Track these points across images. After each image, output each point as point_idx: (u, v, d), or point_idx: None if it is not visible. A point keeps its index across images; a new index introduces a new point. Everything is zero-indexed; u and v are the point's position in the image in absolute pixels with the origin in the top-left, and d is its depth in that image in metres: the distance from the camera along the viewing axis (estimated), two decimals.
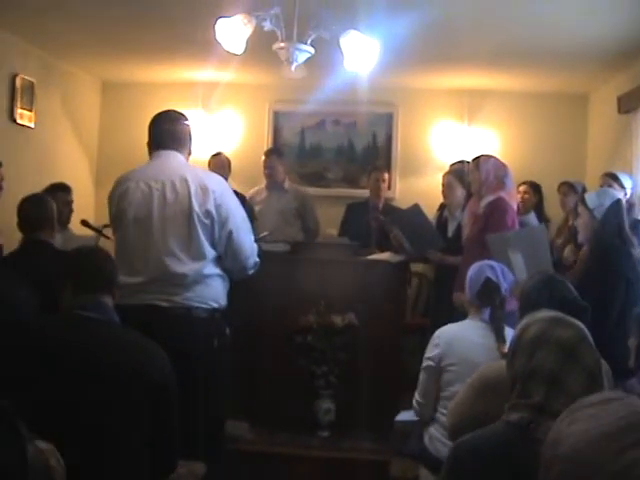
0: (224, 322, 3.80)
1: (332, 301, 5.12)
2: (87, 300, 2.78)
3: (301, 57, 4.39)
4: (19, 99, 6.63)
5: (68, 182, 6.20)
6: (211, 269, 3.69)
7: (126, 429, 2.50)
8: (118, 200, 3.74)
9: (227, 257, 3.76)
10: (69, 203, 5.99)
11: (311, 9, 4.37)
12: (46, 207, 4.71)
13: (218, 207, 3.66)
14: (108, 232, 5.98)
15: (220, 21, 4.37)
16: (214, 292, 3.72)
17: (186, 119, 3.97)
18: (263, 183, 6.96)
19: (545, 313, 2.21)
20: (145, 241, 3.64)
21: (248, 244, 3.84)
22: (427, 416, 3.85)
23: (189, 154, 3.95)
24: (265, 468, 4.78)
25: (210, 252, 3.67)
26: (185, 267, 3.61)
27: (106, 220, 6.45)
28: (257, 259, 3.96)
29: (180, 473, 3.09)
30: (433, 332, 3.93)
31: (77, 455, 2.06)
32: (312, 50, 4.44)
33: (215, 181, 3.80)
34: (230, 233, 3.70)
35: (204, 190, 3.65)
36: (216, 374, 3.65)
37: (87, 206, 7.59)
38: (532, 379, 2.08)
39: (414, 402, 3.90)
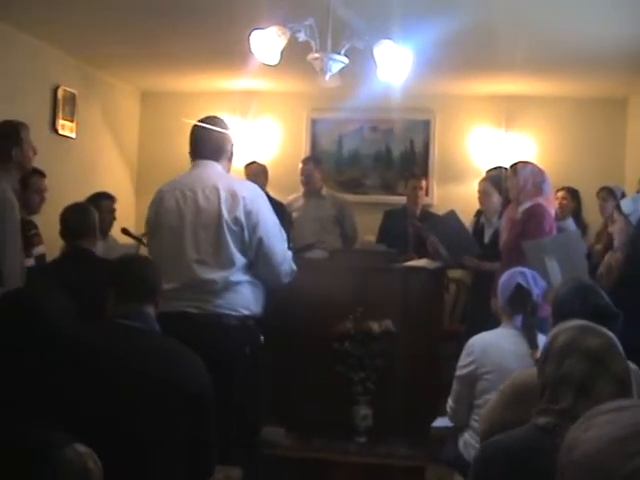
0: (258, 329, 3.82)
1: (369, 308, 5.13)
2: (129, 309, 2.85)
3: (335, 67, 4.42)
4: (61, 110, 6.79)
5: (109, 190, 6.32)
6: (240, 276, 3.72)
7: (164, 436, 2.55)
8: (155, 208, 3.84)
9: (259, 264, 3.79)
10: (112, 211, 6.10)
11: (345, 19, 4.42)
12: (88, 216, 4.80)
13: (248, 214, 3.70)
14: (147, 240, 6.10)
15: (254, 33, 4.42)
16: (244, 299, 3.74)
17: (226, 125, 4.02)
18: (301, 191, 7.01)
19: (575, 322, 2.23)
20: (177, 249, 3.70)
21: (280, 251, 3.86)
22: (461, 422, 3.87)
23: (230, 160, 4.01)
24: (302, 474, 4.81)
25: (240, 259, 3.70)
26: (214, 274, 3.65)
27: None
28: (293, 267, 3.98)
29: (217, 478, 3.15)
30: (469, 339, 3.94)
31: (115, 460, 2.12)
32: (346, 60, 4.47)
33: (246, 188, 3.85)
34: (260, 240, 3.73)
35: (234, 197, 3.70)
36: (249, 381, 3.68)
37: (128, 215, 7.70)
38: (561, 385, 2.11)
39: (448, 408, 3.93)
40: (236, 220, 3.67)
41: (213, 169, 3.87)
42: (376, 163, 8.09)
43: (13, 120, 4.44)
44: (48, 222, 5.27)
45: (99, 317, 2.94)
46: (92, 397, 2.48)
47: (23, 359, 2.03)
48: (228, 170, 4.02)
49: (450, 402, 3.90)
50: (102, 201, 5.98)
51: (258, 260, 3.77)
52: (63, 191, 6.02)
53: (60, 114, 6.78)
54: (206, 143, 3.91)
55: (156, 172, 8.01)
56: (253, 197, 3.79)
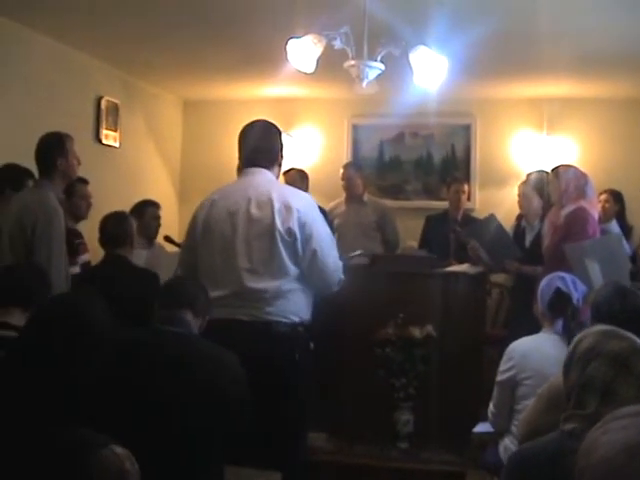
0: (307, 336, 3.78)
1: (411, 313, 5.11)
2: (169, 315, 2.91)
3: (372, 74, 4.43)
4: (104, 120, 6.91)
5: (153, 199, 6.40)
6: (292, 284, 3.68)
7: (199, 438, 2.58)
8: (205, 216, 3.80)
9: (312, 275, 3.75)
10: (157, 218, 6.17)
11: (380, 26, 4.43)
12: (125, 224, 4.88)
13: (302, 226, 3.65)
14: None
15: (291, 42, 4.45)
16: (296, 306, 3.71)
17: (276, 129, 3.99)
18: (342, 197, 7.03)
19: (599, 327, 2.23)
20: (228, 257, 3.68)
21: (332, 261, 3.82)
22: (501, 428, 3.85)
23: (280, 166, 3.98)
24: (343, 479, 4.82)
25: (292, 269, 3.67)
26: (265, 283, 3.62)
27: None
28: (341, 276, 3.93)
29: None
30: (510, 343, 3.93)
31: (152, 461, 2.16)
32: (382, 67, 4.47)
33: (300, 199, 3.79)
34: (314, 252, 3.69)
35: (288, 208, 3.65)
36: (297, 387, 3.65)
37: (171, 222, 7.77)
38: (586, 390, 2.10)
39: (489, 413, 3.92)
40: (289, 231, 3.63)
41: (264, 177, 3.83)
42: (417, 168, 8.09)
43: (58, 132, 4.52)
44: (93, 230, 5.35)
45: (135, 324, 2.99)
46: (130, 400, 2.53)
47: (65, 362, 2.07)
48: (278, 176, 3.99)
49: (491, 407, 3.89)
50: (146, 208, 6.06)
51: (311, 271, 3.73)
52: (107, 199, 6.10)
53: (104, 124, 6.90)
54: (256, 149, 3.87)
55: (198, 180, 8.12)
56: (307, 209, 3.74)
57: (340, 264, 3.92)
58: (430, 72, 4.48)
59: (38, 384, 2.02)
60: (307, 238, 3.67)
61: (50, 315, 2.18)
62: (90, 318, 2.17)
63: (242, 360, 2.84)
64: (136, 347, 2.74)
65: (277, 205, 3.65)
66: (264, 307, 3.63)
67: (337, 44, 4.37)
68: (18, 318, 3.15)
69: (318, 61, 4.51)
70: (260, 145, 3.88)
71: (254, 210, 3.68)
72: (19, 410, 2.00)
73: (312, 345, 3.82)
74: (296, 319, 3.71)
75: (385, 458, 5.04)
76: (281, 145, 3.96)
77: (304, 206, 3.74)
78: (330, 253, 3.80)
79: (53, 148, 4.41)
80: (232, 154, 7.88)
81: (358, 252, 5.27)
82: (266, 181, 3.82)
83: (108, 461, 1.92)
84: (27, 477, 1.91)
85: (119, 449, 1.96)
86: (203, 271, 3.75)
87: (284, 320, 3.66)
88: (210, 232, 3.76)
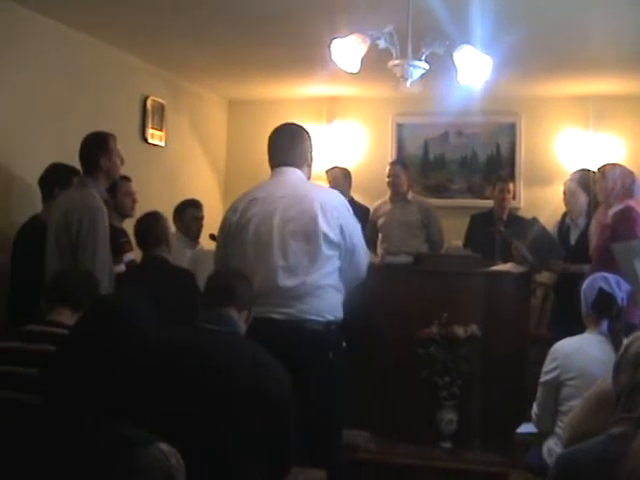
0: (340, 334, 3.80)
1: (454, 312, 5.10)
2: (211, 313, 2.93)
3: (416, 73, 4.42)
4: (150, 120, 6.98)
5: (198, 198, 6.43)
6: (326, 282, 3.70)
7: (244, 436, 2.60)
8: (240, 215, 3.81)
9: (349, 270, 3.79)
10: (198, 219, 6.16)
11: (424, 25, 4.42)
12: (157, 225, 4.90)
13: (339, 224, 3.69)
14: None
15: (335, 42, 4.46)
16: (329, 304, 3.73)
17: (304, 131, 4.02)
18: (387, 195, 7.02)
19: None
20: (263, 255, 3.69)
21: (364, 253, 3.89)
22: (545, 429, 3.83)
23: (309, 167, 4.00)
24: (385, 478, 4.83)
25: (326, 267, 3.69)
26: (299, 280, 3.64)
27: None
28: (368, 263, 4.00)
29: None
30: (555, 343, 3.90)
31: (197, 459, 2.18)
32: (426, 66, 4.46)
33: (333, 197, 3.85)
34: (354, 247, 3.75)
35: (323, 206, 3.68)
36: (331, 385, 3.66)
37: (215, 221, 7.78)
38: (635, 393, 2.09)
39: (532, 414, 3.90)
40: (326, 229, 3.66)
41: (297, 176, 3.88)
42: (462, 167, 8.05)
43: (101, 131, 4.58)
44: None
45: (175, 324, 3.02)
46: (175, 397, 2.55)
47: (110, 360, 2.10)
48: (309, 176, 4.02)
49: (535, 408, 3.87)
50: (186, 209, 6.08)
51: (349, 265, 3.79)
52: (153, 198, 6.16)
53: (150, 123, 6.97)
54: (285, 150, 3.92)
55: (243, 179, 8.13)
56: (341, 206, 3.80)
57: (368, 252, 4.01)
58: (474, 71, 4.46)
59: (84, 382, 2.05)
60: (346, 235, 3.72)
61: (94, 315, 2.21)
62: (133, 318, 2.20)
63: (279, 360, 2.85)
64: (177, 347, 2.75)
65: (312, 203, 3.69)
66: (298, 305, 3.65)
67: (381, 44, 4.38)
68: (68, 318, 3.22)
69: (362, 60, 4.51)
70: (289, 146, 3.92)
71: (289, 208, 3.71)
72: (67, 408, 2.04)
73: (345, 344, 3.82)
74: (330, 317, 3.72)
75: (428, 457, 5.04)
76: (309, 146, 4.00)
77: (339, 204, 3.81)
78: (363, 245, 3.88)
79: (96, 147, 4.45)
80: None
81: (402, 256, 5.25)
82: (299, 180, 3.88)
83: (155, 458, 1.94)
84: (74, 475, 1.94)
85: (165, 446, 1.98)
86: (245, 270, 3.77)
87: (317, 318, 3.67)
88: (244, 230, 3.77)
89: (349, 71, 4.61)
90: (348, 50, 4.43)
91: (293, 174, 3.88)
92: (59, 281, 3.50)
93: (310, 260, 3.67)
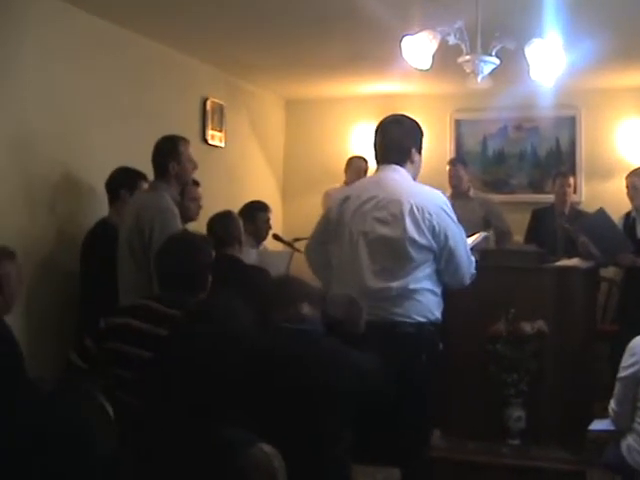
0: (436, 336, 3.74)
1: (521, 309, 5.06)
2: (288, 313, 2.95)
3: (486, 69, 4.39)
4: (210, 121, 7.02)
5: (257, 198, 6.46)
6: (420, 285, 3.63)
7: (335, 433, 2.62)
8: (337, 212, 3.80)
9: (446, 273, 3.72)
10: (267, 221, 6.20)
11: (494, 20, 4.38)
12: (231, 224, 4.93)
13: (434, 227, 3.59)
14: (298, 245, 6.21)
15: (406, 39, 4.44)
16: (422, 307, 3.65)
17: (409, 124, 3.89)
18: (447, 192, 6.98)
19: None
20: (354, 256, 3.67)
21: (466, 259, 3.77)
22: (624, 426, 3.79)
23: (412, 162, 3.82)
24: (456, 476, 4.80)
25: (420, 270, 3.62)
26: (389, 284, 3.60)
27: (294, 234, 6.73)
28: (473, 271, 3.88)
29: (377, 479, 3.20)
30: (623, 339, 3.86)
31: (295, 459, 2.19)
32: (497, 61, 4.42)
33: (431, 199, 3.71)
34: (450, 251, 3.65)
35: (419, 209, 3.58)
36: (424, 387, 3.65)
37: (275, 220, 7.83)
38: None
39: (610, 411, 3.85)
40: (420, 234, 3.57)
41: (396, 175, 3.76)
42: (521, 162, 7.99)
43: (173, 135, 4.61)
44: (200, 229, 5.44)
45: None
46: (271, 398, 2.57)
47: (210, 363, 2.11)
48: (415, 173, 3.88)
49: (612, 405, 3.82)
50: (258, 213, 6.08)
51: (447, 269, 3.70)
52: (213, 199, 6.18)
53: (209, 124, 7.01)
54: (388, 146, 3.81)
55: (301, 178, 8.21)
56: (438, 209, 3.66)
57: (472, 259, 3.87)
58: (547, 65, 4.41)
59: (187, 386, 2.05)
60: (440, 239, 3.61)
61: (196, 317, 2.22)
62: (234, 321, 2.21)
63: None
64: (266, 350, 2.76)
65: (402, 206, 3.59)
66: (390, 307, 3.61)
67: (451, 39, 4.35)
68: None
69: (433, 57, 4.49)
70: (391, 141, 3.80)
71: (381, 209, 3.64)
72: (170, 412, 2.05)
73: (441, 345, 3.78)
74: (422, 319, 3.66)
75: (497, 455, 5.00)
76: (415, 141, 3.86)
77: (436, 206, 3.66)
78: (463, 251, 3.75)
79: (166, 152, 4.48)
80: (334, 152, 8.04)
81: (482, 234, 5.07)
82: (397, 180, 3.74)
83: (258, 460, 1.95)
84: (179, 477, 1.95)
85: (267, 447, 1.99)
86: (335, 268, 3.78)
87: (409, 320, 3.62)
88: (341, 229, 3.75)
89: (421, 68, 4.59)
90: (419, 47, 4.42)
91: (392, 173, 3.77)
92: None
93: (398, 264, 3.61)
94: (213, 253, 3.49)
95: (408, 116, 3.96)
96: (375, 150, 3.86)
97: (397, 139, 3.80)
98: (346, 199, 3.80)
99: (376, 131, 3.88)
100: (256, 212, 6.03)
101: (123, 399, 2.73)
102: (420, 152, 3.88)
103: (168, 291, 3.26)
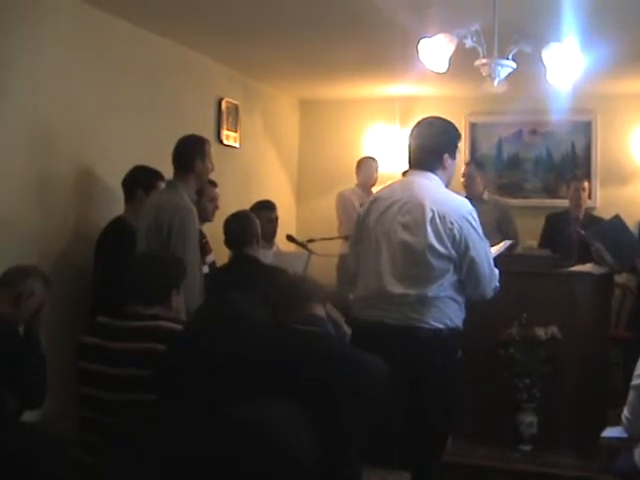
0: (453, 342, 3.69)
1: (534, 313, 5.04)
2: (298, 314, 2.94)
3: (503, 72, 4.36)
4: (225, 121, 7.03)
5: (271, 198, 6.47)
6: (440, 292, 3.58)
7: (353, 434, 2.61)
8: (364, 216, 3.78)
9: (468, 284, 3.66)
10: (271, 220, 6.17)
11: (512, 23, 4.36)
12: (248, 224, 4.94)
13: (454, 235, 3.53)
14: (312, 247, 6.21)
15: (423, 41, 4.43)
16: (441, 313, 3.61)
17: (443, 127, 3.80)
18: (461, 194, 6.96)
19: None
20: (376, 259, 3.65)
21: (488, 271, 3.70)
22: (636, 434, 3.75)
23: (445, 168, 3.72)
24: None
25: (440, 278, 3.57)
26: (407, 289, 3.57)
27: (308, 234, 6.73)
28: (497, 283, 3.80)
29: None
30: (637, 346, 3.83)
31: None
32: (514, 65, 4.40)
33: (456, 207, 3.63)
34: (471, 262, 3.59)
35: (441, 218, 3.52)
36: (438, 392, 3.61)
37: (289, 221, 7.86)
38: None
39: (623, 418, 3.82)
40: (436, 240, 3.51)
41: (423, 180, 3.67)
42: (536, 166, 7.98)
43: (199, 135, 4.66)
44: (215, 230, 5.46)
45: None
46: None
47: (224, 363, 2.11)
48: (447, 179, 3.79)
49: (625, 412, 3.78)
50: (260, 212, 6.08)
51: (468, 280, 3.64)
52: (229, 199, 6.19)
53: (224, 125, 7.02)
54: (418, 150, 3.74)
55: (315, 179, 8.21)
56: (461, 218, 3.58)
57: (496, 272, 3.78)
58: (565, 69, 4.39)
59: (205, 382, 2.06)
60: (462, 248, 3.55)
61: (209, 316, 2.23)
62: (250, 319, 2.22)
63: (385, 362, 2.84)
64: (277, 350, 2.76)
65: (424, 213, 3.53)
66: (408, 312, 3.58)
67: (468, 42, 4.32)
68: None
69: (450, 60, 4.48)
70: (421, 145, 3.73)
71: (404, 214, 3.60)
72: (189, 408, 2.06)
73: (460, 353, 3.74)
74: (440, 325, 3.61)
75: (508, 460, 4.99)
76: (448, 145, 3.75)
77: (459, 215, 3.58)
78: (485, 262, 3.67)
79: (194, 149, 4.50)
80: (348, 153, 8.03)
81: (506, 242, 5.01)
82: (423, 185, 3.65)
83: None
84: (199, 472, 1.96)
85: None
86: (360, 270, 3.77)
87: (426, 326, 3.58)
88: (366, 232, 3.73)
89: (437, 71, 4.58)
90: (436, 50, 4.40)
91: (420, 178, 3.69)
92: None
93: (418, 270, 3.57)
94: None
95: (443, 118, 3.86)
96: (408, 152, 3.80)
97: (427, 144, 3.72)
98: (375, 201, 3.79)
99: (410, 134, 3.81)
100: (259, 211, 6.03)
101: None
102: (454, 157, 3.77)
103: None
